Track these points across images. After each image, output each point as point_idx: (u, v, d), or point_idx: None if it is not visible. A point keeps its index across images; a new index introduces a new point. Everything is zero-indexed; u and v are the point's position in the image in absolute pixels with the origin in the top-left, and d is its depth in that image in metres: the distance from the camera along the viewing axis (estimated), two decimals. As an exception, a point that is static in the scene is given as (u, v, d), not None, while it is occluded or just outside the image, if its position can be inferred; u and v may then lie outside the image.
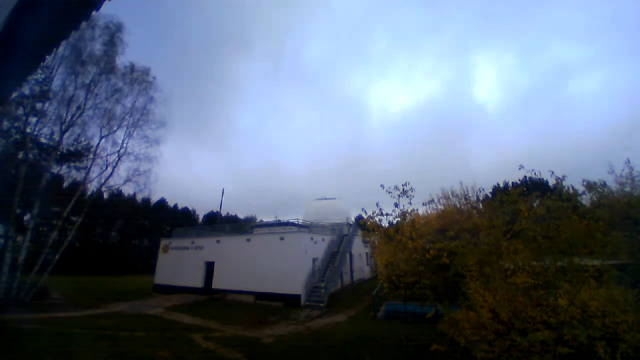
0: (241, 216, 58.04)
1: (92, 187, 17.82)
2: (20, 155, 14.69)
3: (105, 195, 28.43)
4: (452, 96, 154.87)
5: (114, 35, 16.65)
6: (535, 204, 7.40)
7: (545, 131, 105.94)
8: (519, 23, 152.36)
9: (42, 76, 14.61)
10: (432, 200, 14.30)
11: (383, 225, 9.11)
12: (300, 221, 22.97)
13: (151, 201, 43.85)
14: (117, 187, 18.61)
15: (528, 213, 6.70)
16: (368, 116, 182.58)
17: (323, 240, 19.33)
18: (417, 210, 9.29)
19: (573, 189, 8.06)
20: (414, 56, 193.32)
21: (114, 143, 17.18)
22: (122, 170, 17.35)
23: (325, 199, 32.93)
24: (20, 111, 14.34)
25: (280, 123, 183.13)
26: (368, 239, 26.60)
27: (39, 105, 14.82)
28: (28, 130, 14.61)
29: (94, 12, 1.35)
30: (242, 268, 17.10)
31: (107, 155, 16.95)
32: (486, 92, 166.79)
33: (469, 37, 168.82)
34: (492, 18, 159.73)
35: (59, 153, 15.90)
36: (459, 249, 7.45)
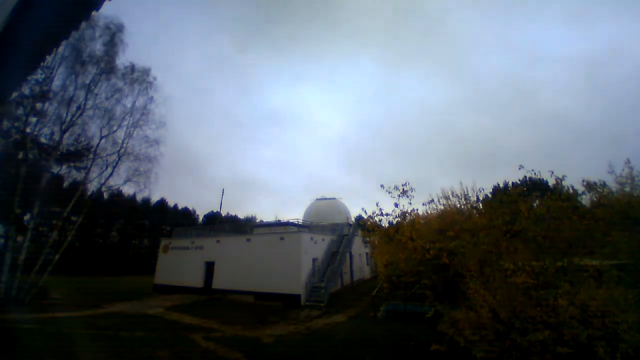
0: (241, 216, 58.18)
1: (92, 187, 17.88)
2: (20, 155, 14.70)
3: (105, 195, 28.46)
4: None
5: (114, 36, 16.69)
6: (535, 204, 7.42)
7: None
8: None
9: (42, 76, 14.63)
10: (432, 200, 14.30)
11: (383, 225, 9.10)
12: (300, 221, 22.98)
13: (151, 201, 43.97)
14: (117, 187, 18.65)
15: (528, 213, 6.71)
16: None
17: (323, 240, 19.33)
18: (417, 210, 9.29)
19: (573, 189, 8.08)
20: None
21: (114, 143, 17.21)
22: (122, 170, 17.38)
23: (325, 198, 32.92)
24: (20, 111, 14.36)
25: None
26: (368, 239, 26.63)
27: (39, 105, 14.84)
28: (28, 130, 14.63)
29: (94, 12, 1.35)
30: (242, 268, 17.11)
31: (107, 155, 16.97)
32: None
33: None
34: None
35: (59, 153, 15.91)
36: (459, 249, 7.45)
